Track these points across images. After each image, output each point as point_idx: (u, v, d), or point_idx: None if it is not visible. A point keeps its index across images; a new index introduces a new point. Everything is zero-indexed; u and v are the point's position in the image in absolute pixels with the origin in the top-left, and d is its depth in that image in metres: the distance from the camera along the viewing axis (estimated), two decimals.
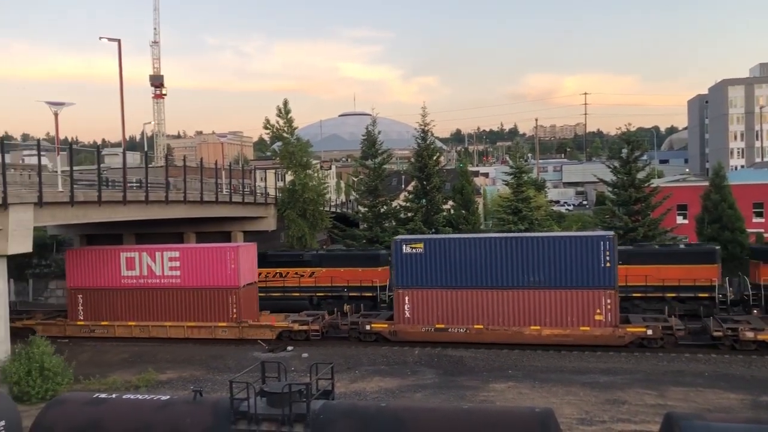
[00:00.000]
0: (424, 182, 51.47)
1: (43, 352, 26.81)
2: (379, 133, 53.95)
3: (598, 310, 30.33)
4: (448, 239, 33.10)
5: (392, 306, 34.32)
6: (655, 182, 52.48)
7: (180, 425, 12.25)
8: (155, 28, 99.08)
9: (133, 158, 64.98)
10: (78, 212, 30.98)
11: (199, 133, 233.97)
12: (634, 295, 35.44)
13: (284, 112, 49.13)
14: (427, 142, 52.89)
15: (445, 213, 51.63)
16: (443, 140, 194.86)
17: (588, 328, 30.47)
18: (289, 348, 33.38)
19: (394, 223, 50.87)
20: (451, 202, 53.97)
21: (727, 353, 29.45)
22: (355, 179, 64.11)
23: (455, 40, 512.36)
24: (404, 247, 32.55)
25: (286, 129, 49.33)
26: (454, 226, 50.74)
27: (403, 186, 65.91)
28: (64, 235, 49.45)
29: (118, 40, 56.73)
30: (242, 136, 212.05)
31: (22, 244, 27.23)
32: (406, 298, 32.49)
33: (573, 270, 30.52)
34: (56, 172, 31.75)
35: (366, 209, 51.88)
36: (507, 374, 28.32)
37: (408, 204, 51.82)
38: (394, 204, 52.94)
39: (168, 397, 13.60)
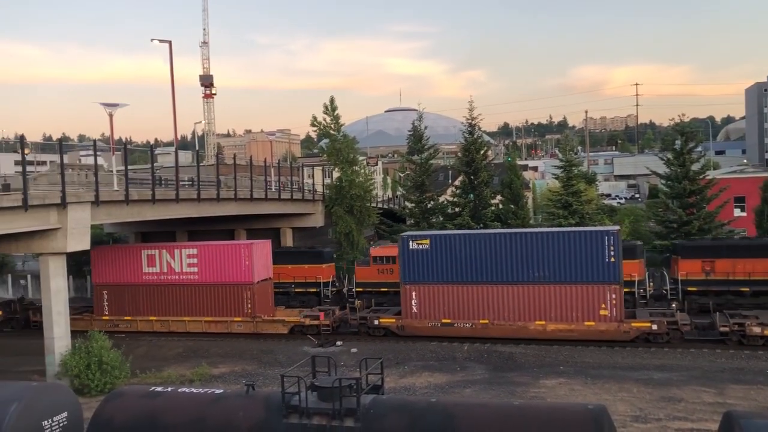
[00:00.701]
0: (472, 177, 51.04)
1: (101, 346, 27.67)
2: (426, 128, 53.76)
3: (603, 305, 30.26)
4: (453, 235, 33.41)
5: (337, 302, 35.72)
6: (711, 174, 50.86)
7: (233, 418, 12.45)
8: (204, 29, 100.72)
9: (185, 157, 66.41)
10: (133, 210, 31.80)
11: (248, 131, 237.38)
12: None
13: (331, 109, 49.45)
14: (475, 136, 52.40)
15: (493, 208, 51.11)
16: (491, 134, 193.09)
17: (593, 323, 30.40)
18: (339, 343, 33.62)
19: (441, 219, 50.65)
20: (499, 197, 53.39)
21: None
22: (402, 175, 64.04)
23: (502, 33, 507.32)
24: (411, 243, 32.94)
25: (332, 126, 49.64)
26: (502, 221, 50.21)
27: (450, 181, 65.46)
28: (119, 232, 50.88)
29: (169, 42, 57.83)
30: (290, 134, 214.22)
31: (80, 241, 28.10)
32: (414, 294, 32.90)
33: (577, 265, 30.48)
34: (112, 171, 32.67)
35: (413, 205, 51.80)
36: (558, 370, 27.94)
37: (455, 199, 51.51)
38: (441, 199, 52.70)
39: (221, 390, 13.84)
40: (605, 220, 50.43)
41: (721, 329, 29.81)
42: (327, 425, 11.95)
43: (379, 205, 60.95)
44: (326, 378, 13.10)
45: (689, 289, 35.10)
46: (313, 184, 54.04)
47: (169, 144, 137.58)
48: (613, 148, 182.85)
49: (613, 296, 30.11)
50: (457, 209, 50.67)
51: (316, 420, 12.07)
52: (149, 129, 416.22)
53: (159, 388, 14.02)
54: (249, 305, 35.32)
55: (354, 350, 32.08)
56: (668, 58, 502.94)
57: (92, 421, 13.26)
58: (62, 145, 30.69)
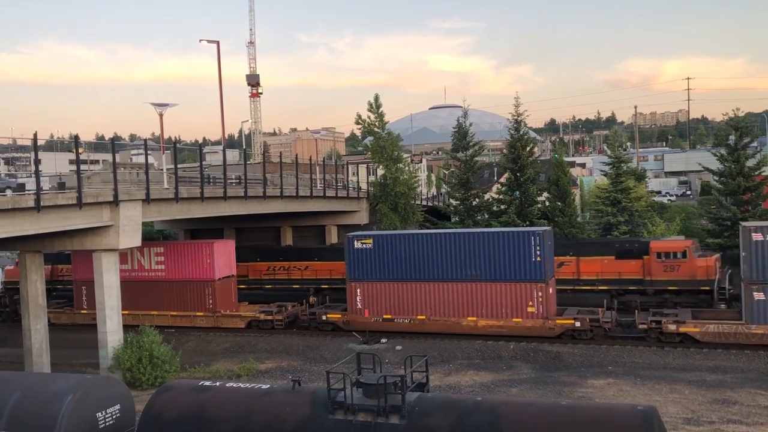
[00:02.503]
0: (518, 174, 50.45)
1: (152, 341, 28.31)
2: (471, 125, 53.34)
3: (530, 303, 31.59)
4: (394, 235, 35.36)
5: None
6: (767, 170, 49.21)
7: (280, 413, 12.60)
8: (251, 29, 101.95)
9: (232, 156, 67.50)
10: (182, 208, 32.44)
11: (294, 129, 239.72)
12: None
13: (375, 107, 49.51)
14: (521, 132, 51.76)
15: (539, 205, 50.45)
16: (537, 130, 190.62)
17: (520, 320, 31.81)
18: (383, 340, 33.69)
19: (486, 216, 50.25)
20: (546, 194, 52.64)
21: None
22: (446, 172, 63.72)
23: (549, 28, 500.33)
24: (356, 242, 34.86)
25: (377, 124, 49.70)
26: (549, 219, 49.52)
27: (495, 178, 64.93)
28: (169, 229, 52.02)
29: (217, 42, 58.89)
30: (335, 132, 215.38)
31: (132, 238, 28.80)
32: (358, 291, 34.76)
33: (506, 264, 31.86)
34: (162, 170, 33.39)
35: (457, 202, 51.51)
36: (607, 370, 27.48)
37: (501, 196, 51.02)
38: (487, 196, 52.26)
39: (268, 386, 14.03)
40: (655, 217, 49.32)
41: (640, 326, 30.73)
42: (372, 422, 12.00)
43: (424, 203, 60.83)
44: (371, 375, 13.14)
45: None
46: (358, 182, 54.23)
47: (216, 143, 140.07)
48: (664, 144, 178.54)
49: (540, 294, 31.39)
50: (502, 207, 50.20)
51: (362, 416, 12.13)
52: (198, 128, 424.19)
53: (207, 383, 14.29)
54: (210, 301, 37.30)
55: (399, 348, 32.12)
56: (721, 50, 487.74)
57: (144, 413, 13.60)
58: (114, 145, 31.51)
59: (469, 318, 32.60)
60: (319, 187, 44.98)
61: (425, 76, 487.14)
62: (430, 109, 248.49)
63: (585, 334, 31.25)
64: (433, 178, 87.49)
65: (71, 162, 48.73)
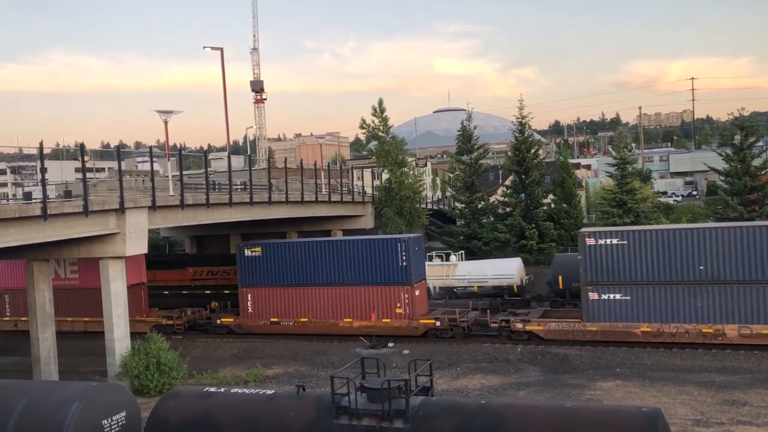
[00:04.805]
0: (523, 176, 50.43)
1: (159, 348, 28.36)
2: (475, 128, 53.40)
3: (398, 304, 34.03)
4: (281, 243, 37.70)
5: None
6: None
7: (284, 419, 12.60)
8: (254, 35, 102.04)
9: (237, 161, 67.58)
10: (188, 214, 32.52)
11: (298, 135, 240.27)
12: None
13: (379, 111, 49.56)
14: (525, 134, 51.76)
15: (545, 207, 50.37)
16: (541, 132, 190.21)
17: (389, 320, 34.25)
18: (390, 344, 33.67)
19: (492, 219, 50.19)
20: (551, 196, 52.58)
21: None
22: (451, 175, 63.69)
23: (553, 30, 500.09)
24: (246, 250, 37.20)
25: (381, 128, 49.74)
26: (555, 221, 49.44)
27: (500, 181, 64.79)
28: (175, 236, 52.11)
29: (221, 49, 59.22)
30: (339, 137, 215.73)
31: (138, 245, 28.89)
32: (249, 296, 37.00)
33: (377, 269, 34.43)
34: (167, 176, 33.48)
35: (463, 205, 51.50)
36: (615, 372, 27.36)
37: (506, 199, 50.97)
38: (492, 199, 52.22)
39: (273, 391, 14.03)
40: (662, 218, 49.14)
41: (492, 325, 33.01)
42: (376, 426, 11.99)
43: (429, 206, 60.78)
44: (375, 379, 13.13)
45: None
46: (363, 186, 54.23)
47: (222, 149, 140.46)
48: (669, 144, 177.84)
49: (406, 296, 33.83)
50: (508, 209, 50.13)
51: (366, 421, 12.12)
52: (203, 134, 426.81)
53: (212, 389, 14.31)
54: None
55: (406, 352, 32.08)
56: (726, 50, 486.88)
57: (149, 420, 13.63)
58: (120, 153, 31.64)
59: (345, 319, 35.10)
60: (324, 192, 45.01)
61: (430, 80, 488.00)
62: (434, 112, 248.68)
63: (446, 333, 33.62)
64: (438, 181, 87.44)
65: (77, 170, 48.93)
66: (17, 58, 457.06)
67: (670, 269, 29.36)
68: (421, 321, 33.96)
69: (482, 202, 51.06)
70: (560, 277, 36.42)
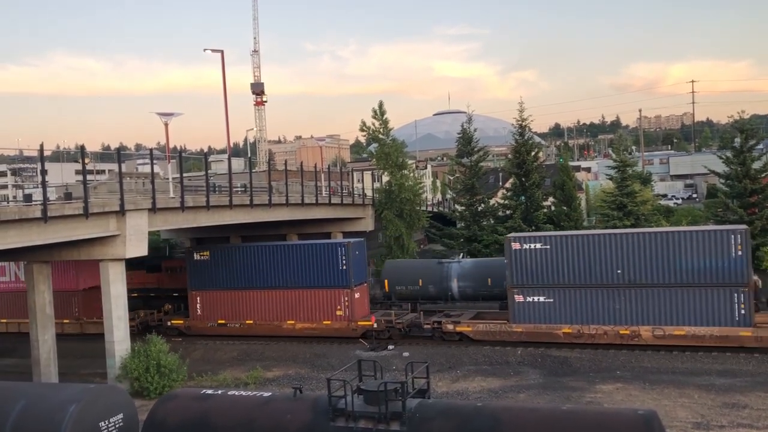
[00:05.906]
0: (523, 179, 50.41)
1: (159, 350, 28.31)
2: (475, 130, 53.34)
3: (338, 307, 35.32)
4: (228, 247, 38.89)
5: None
6: None
7: (281, 421, 12.61)
8: (255, 38, 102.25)
9: (238, 164, 67.70)
10: (188, 217, 32.52)
11: (299, 137, 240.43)
12: None
13: (379, 113, 49.54)
14: (525, 137, 51.74)
15: (545, 210, 50.33)
16: (542, 135, 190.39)
17: (330, 322, 35.55)
18: (390, 347, 33.67)
19: (492, 222, 50.16)
20: (551, 199, 52.56)
21: None
22: (452, 178, 63.72)
23: (553, 32, 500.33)
24: (195, 254, 38.43)
25: (381, 130, 49.71)
26: (555, 223, 49.39)
27: (500, 183, 64.80)
28: (175, 238, 52.08)
29: (221, 51, 59.21)
30: (339, 139, 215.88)
31: (138, 247, 28.87)
32: (198, 299, 38.20)
33: (319, 272, 35.70)
34: (168, 179, 33.49)
35: (463, 208, 51.46)
36: (615, 375, 27.34)
37: (506, 201, 50.95)
38: (492, 202, 52.19)
39: (270, 393, 14.04)
40: (662, 221, 49.11)
41: (425, 326, 33.95)
42: (373, 429, 11.99)
43: (429, 209, 60.74)
44: (372, 382, 13.13)
45: None
46: (363, 189, 54.19)
47: (222, 151, 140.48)
48: (669, 147, 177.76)
49: (346, 299, 35.26)
50: (508, 212, 50.11)
51: (362, 423, 12.13)
52: (203, 137, 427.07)
53: (210, 391, 14.32)
54: (76, 309, 40.67)
55: (406, 354, 32.07)
56: (726, 53, 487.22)
57: (146, 422, 13.64)
58: (120, 155, 31.66)
59: (288, 321, 36.27)
60: (324, 195, 45.00)
61: (430, 83, 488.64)
62: (434, 115, 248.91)
63: (382, 334, 34.51)
64: (438, 184, 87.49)
65: (77, 172, 48.99)
66: (18, 60, 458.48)
67: (589, 273, 30.54)
68: (359, 323, 35.12)
69: (482, 205, 51.04)
70: (386, 281, 38.13)
